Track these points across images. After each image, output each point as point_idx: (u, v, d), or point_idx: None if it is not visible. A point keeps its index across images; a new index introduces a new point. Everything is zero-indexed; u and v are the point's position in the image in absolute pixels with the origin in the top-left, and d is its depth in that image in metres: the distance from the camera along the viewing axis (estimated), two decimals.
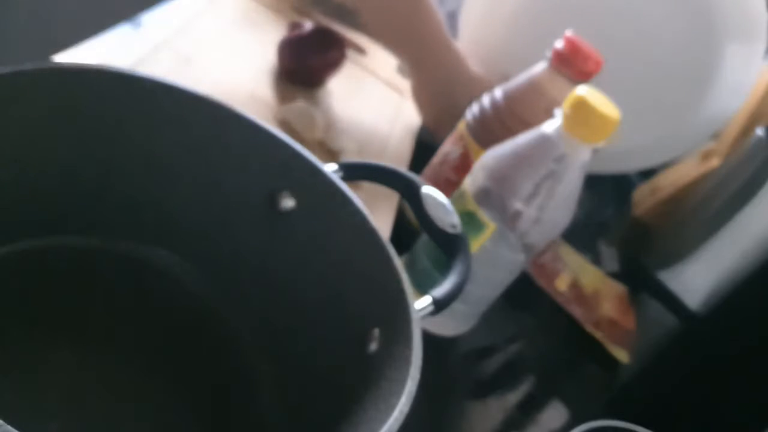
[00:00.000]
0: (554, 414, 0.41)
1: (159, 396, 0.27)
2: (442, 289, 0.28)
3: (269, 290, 0.30)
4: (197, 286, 0.31)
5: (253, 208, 0.30)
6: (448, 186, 0.42)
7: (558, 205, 0.34)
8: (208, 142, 0.29)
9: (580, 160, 0.34)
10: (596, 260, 0.57)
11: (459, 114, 0.43)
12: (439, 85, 0.48)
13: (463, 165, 0.41)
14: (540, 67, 0.40)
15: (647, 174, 0.66)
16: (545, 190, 0.34)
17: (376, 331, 0.27)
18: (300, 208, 0.30)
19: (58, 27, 0.38)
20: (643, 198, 0.65)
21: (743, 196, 0.53)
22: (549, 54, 0.39)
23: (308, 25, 0.46)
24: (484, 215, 0.35)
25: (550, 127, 0.34)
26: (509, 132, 0.38)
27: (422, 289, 0.35)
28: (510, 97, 0.40)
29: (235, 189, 0.30)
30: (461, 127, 0.42)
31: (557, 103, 0.36)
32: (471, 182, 0.36)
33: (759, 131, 0.54)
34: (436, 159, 0.44)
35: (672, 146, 0.59)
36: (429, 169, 0.44)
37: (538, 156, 0.34)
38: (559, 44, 0.38)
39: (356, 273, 0.28)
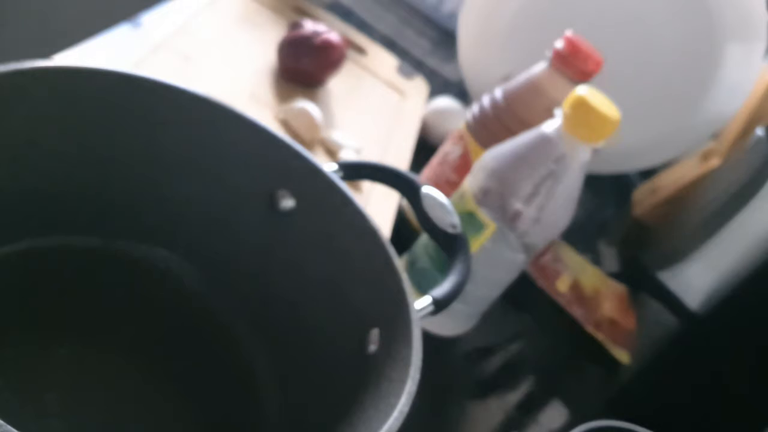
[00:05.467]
0: (554, 414, 0.41)
1: (158, 395, 0.27)
2: (442, 289, 0.28)
3: (269, 290, 0.30)
4: (197, 285, 0.31)
5: (253, 207, 0.30)
6: (448, 186, 0.42)
7: (558, 205, 0.34)
8: (208, 142, 0.29)
9: (580, 160, 0.34)
10: (596, 260, 0.57)
11: None
12: None
13: (463, 165, 0.41)
14: (540, 67, 0.40)
15: (647, 174, 0.66)
16: (545, 190, 0.34)
17: (376, 331, 0.27)
18: (300, 208, 0.30)
19: (58, 27, 0.38)
20: (643, 198, 0.65)
21: (743, 196, 0.53)
22: (549, 54, 0.39)
23: (308, 25, 0.46)
24: (484, 215, 0.35)
25: (550, 127, 0.34)
26: (509, 132, 0.38)
27: (422, 289, 0.35)
28: (510, 97, 0.40)
29: (235, 189, 0.30)
30: (461, 126, 0.42)
31: (557, 103, 0.36)
32: (471, 182, 0.36)
33: (759, 131, 0.54)
34: (435, 159, 0.44)
35: (672, 146, 0.59)
36: (429, 168, 0.44)
37: (538, 156, 0.34)
38: (559, 44, 0.38)
39: (356, 273, 0.28)
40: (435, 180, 0.43)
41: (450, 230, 0.30)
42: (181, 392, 0.27)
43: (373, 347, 0.26)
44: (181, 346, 0.29)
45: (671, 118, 0.56)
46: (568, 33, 0.38)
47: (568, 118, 0.33)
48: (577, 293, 0.51)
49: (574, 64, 0.38)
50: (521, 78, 0.40)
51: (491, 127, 0.40)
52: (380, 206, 0.42)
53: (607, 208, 0.66)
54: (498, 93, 0.41)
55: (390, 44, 0.62)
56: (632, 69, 0.53)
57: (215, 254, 0.31)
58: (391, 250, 0.28)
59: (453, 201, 0.36)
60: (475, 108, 0.42)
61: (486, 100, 0.41)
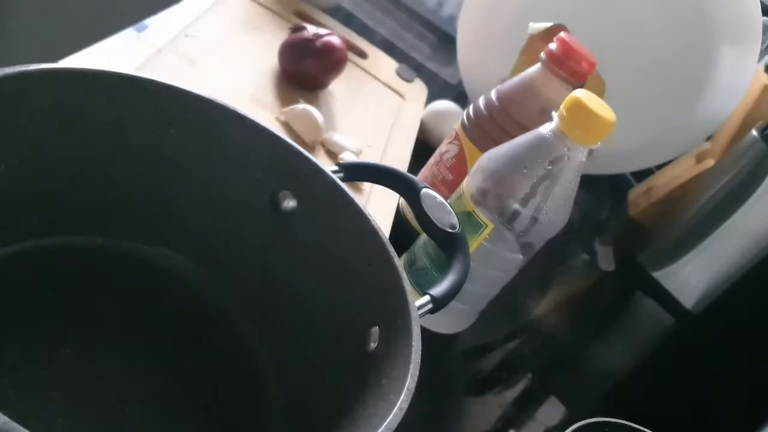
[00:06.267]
0: (551, 411, 0.41)
1: (161, 394, 0.27)
2: (441, 287, 0.28)
3: (271, 289, 0.31)
4: (200, 285, 0.31)
5: (255, 208, 0.30)
6: (444, 185, 0.42)
7: (555, 205, 0.35)
8: (211, 143, 0.30)
9: (577, 161, 0.34)
10: (592, 259, 0.57)
11: None
12: None
13: (459, 164, 0.41)
14: (534, 68, 0.40)
15: (643, 174, 0.67)
16: (542, 191, 0.34)
17: (376, 330, 0.27)
18: (301, 208, 0.30)
19: (64, 32, 0.38)
20: (639, 198, 0.65)
21: (737, 196, 0.54)
22: (543, 55, 0.39)
23: (310, 29, 0.47)
24: (482, 215, 0.35)
25: (546, 128, 0.35)
26: (504, 133, 0.39)
27: (421, 288, 0.36)
28: (504, 98, 0.40)
29: (238, 189, 0.30)
30: (457, 127, 0.43)
31: (552, 104, 0.36)
32: (469, 183, 0.37)
33: (753, 132, 0.54)
34: (432, 159, 0.44)
35: (667, 147, 0.59)
36: (426, 168, 0.45)
37: (535, 157, 0.34)
38: (552, 45, 0.39)
39: (357, 272, 0.29)
40: (431, 179, 0.43)
41: (449, 230, 0.30)
42: (185, 391, 0.28)
43: (373, 345, 0.27)
44: (185, 346, 0.29)
45: (667, 119, 0.56)
46: (561, 34, 0.39)
47: (564, 120, 0.34)
48: None
49: (567, 65, 0.38)
50: (516, 79, 0.40)
51: (486, 128, 0.40)
52: (380, 206, 0.42)
53: (603, 208, 0.67)
54: (493, 94, 0.41)
55: (390, 47, 0.63)
56: (628, 71, 0.53)
57: (218, 254, 0.31)
58: (391, 250, 0.28)
59: (451, 201, 0.37)
60: (470, 109, 0.42)
61: (481, 101, 0.41)
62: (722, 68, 0.54)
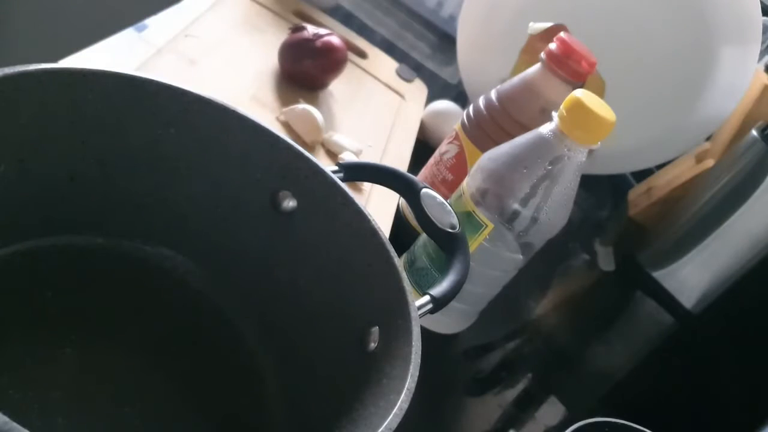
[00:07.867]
0: (551, 410, 0.41)
1: (161, 394, 0.27)
2: (441, 287, 0.28)
3: (271, 289, 0.31)
4: (201, 284, 0.31)
5: (255, 208, 0.31)
6: (444, 185, 0.42)
7: (555, 205, 0.35)
8: (212, 143, 0.30)
9: (577, 161, 0.34)
10: (593, 260, 0.58)
11: None
12: None
13: (458, 164, 0.42)
14: (534, 68, 0.40)
15: (643, 175, 0.67)
16: (542, 191, 0.34)
17: (376, 330, 0.27)
18: (301, 208, 0.30)
19: (64, 31, 0.38)
20: (639, 198, 0.65)
21: (737, 196, 0.54)
22: (543, 55, 0.39)
23: (310, 29, 0.47)
24: (482, 215, 0.35)
25: (546, 128, 0.35)
26: (504, 132, 0.39)
27: (421, 288, 0.36)
28: (504, 98, 0.40)
29: (238, 190, 0.31)
30: (457, 127, 0.43)
31: (551, 104, 0.36)
32: (469, 183, 0.37)
33: (753, 132, 0.54)
34: (432, 159, 0.44)
35: (667, 147, 0.59)
36: (426, 168, 0.45)
37: (535, 157, 0.34)
38: (552, 45, 0.39)
39: (357, 272, 0.29)
40: (431, 179, 0.43)
41: (449, 230, 0.31)
42: (186, 391, 0.28)
43: (373, 345, 0.27)
44: (186, 346, 0.29)
45: (667, 119, 0.57)
46: (561, 34, 0.39)
47: (564, 120, 0.34)
48: None
49: (567, 65, 0.38)
50: (516, 79, 0.41)
51: (486, 128, 0.40)
52: (380, 206, 0.42)
53: (603, 208, 0.67)
54: (493, 94, 0.41)
55: (390, 47, 0.63)
56: (628, 71, 0.53)
57: (218, 254, 0.31)
58: (391, 250, 0.28)
59: (451, 201, 0.37)
60: (470, 109, 0.42)
61: (481, 101, 0.41)
62: (722, 68, 0.54)
